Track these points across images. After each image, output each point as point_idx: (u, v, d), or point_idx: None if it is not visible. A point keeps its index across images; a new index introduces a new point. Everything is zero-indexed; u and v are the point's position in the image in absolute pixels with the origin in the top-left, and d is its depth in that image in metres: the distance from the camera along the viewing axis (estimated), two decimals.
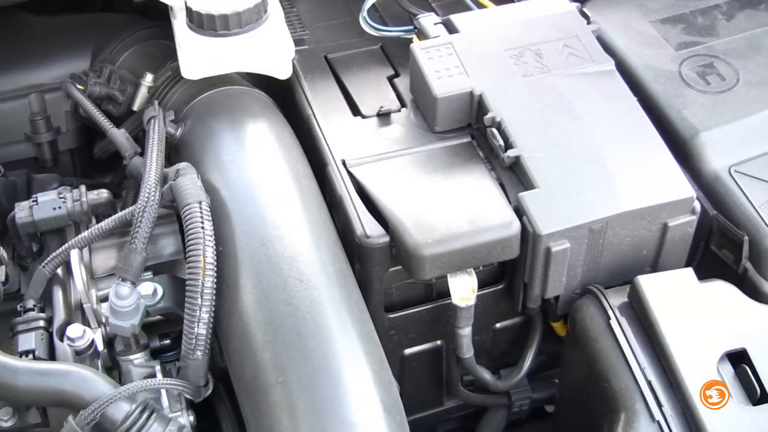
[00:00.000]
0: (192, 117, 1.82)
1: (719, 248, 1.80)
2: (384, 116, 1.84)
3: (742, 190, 1.76)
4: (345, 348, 1.47)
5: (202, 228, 1.55)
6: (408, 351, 1.84)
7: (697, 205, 1.71)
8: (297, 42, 1.98)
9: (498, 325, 1.89)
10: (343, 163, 1.74)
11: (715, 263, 1.81)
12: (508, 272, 1.78)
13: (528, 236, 1.63)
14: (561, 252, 1.63)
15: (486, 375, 1.85)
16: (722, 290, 1.68)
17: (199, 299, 1.51)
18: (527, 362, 1.89)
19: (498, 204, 1.66)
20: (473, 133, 1.81)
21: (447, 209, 1.65)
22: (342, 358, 1.45)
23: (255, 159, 1.72)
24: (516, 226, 1.62)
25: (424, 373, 1.90)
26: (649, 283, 1.65)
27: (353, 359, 1.46)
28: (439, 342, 1.85)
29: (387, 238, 1.63)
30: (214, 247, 1.55)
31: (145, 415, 1.44)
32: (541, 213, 1.63)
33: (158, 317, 1.66)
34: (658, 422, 1.53)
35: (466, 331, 1.71)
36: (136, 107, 2.02)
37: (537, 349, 1.88)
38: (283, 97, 1.93)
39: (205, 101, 1.84)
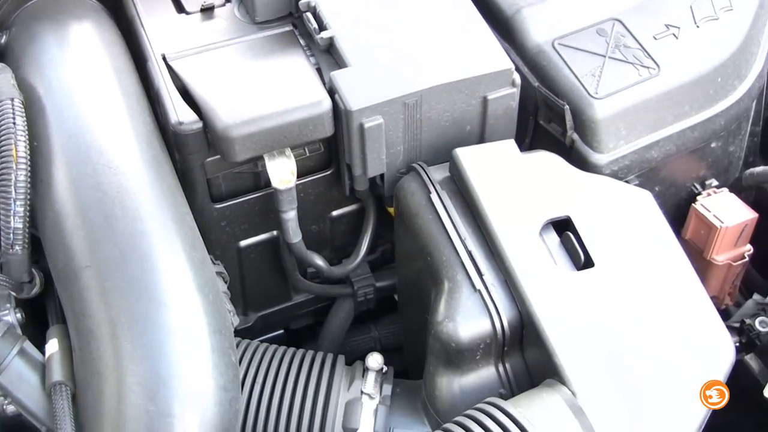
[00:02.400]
0: (17, 24, 1.80)
1: (547, 122, 1.80)
2: (207, 11, 1.82)
3: (565, 62, 1.77)
4: (154, 230, 1.48)
5: (14, 123, 1.54)
6: (243, 243, 1.85)
7: (516, 77, 1.71)
8: None
9: (334, 213, 1.89)
10: (163, 57, 1.73)
11: (547, 138, 1.81)
12: (334, 156, 1.77)
13: (341, 114, 1.63)
14: (375, 128, 1.63)
15: (318, 261, 1.85)
16: (545, 160, 1.69)
17: (13, 192, 1.50)
18: (363, 248, 1.89)
19: (310, 84, 1.65)
20: (295, 21, 1.80)
21: (259, 93, 1.64)
22: (151, 240, 1.46)
23: (73, 57, 1.70)
24: (326, 103, 1.62)
25: (264, 266, 1.90)
26: (467, 155, 1.65)
27: (163, 241, 1.47)
28: (275, 232, 1.85)
29: (200, 124, 1.62)
30: (27, 141, 1.54)
31: None
32: (352, 89, 1.63)
33: None
34: (480, 291, 1.53)
35: (290, 215, 1.72)
36: None
37: (372, 235, 1.88)
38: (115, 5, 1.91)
39: (30, 9, 1.81)
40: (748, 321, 2.01)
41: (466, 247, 1.57)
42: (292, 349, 1.71)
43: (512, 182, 1.63)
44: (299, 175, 1.74)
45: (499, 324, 1.51)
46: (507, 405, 1.40)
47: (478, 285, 1.54)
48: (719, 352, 1.54)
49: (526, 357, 1.56)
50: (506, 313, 1.52)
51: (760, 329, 2.00)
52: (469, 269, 1.55)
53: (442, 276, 1.57)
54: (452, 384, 1.56)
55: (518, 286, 1.52)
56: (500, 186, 1.62)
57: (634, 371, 1.47)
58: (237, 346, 1.68)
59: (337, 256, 1.95)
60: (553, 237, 1.61)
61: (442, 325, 1.52)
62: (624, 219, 1.64)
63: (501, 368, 1.57)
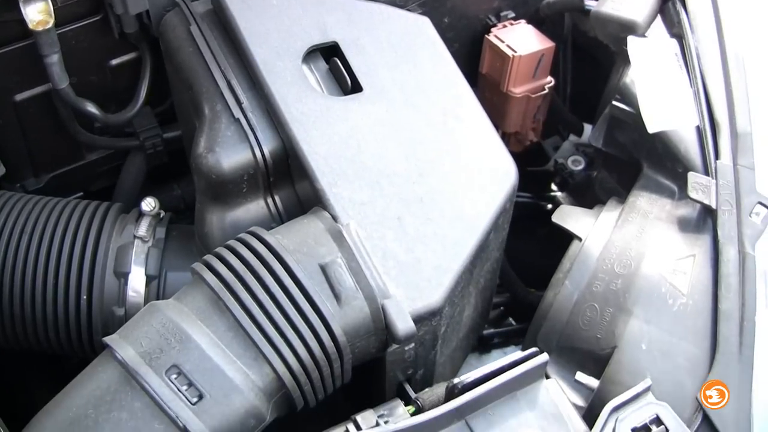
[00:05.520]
0: None
1: None
2: None
3: None
4: None
5: None
6: (19, 97, 1.78)
7: None
8: None
9: (113, 62, 1.83)
10: None
11: None
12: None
13: None
14: None
15: (91, 108, 1.78)
16: None
17: None
18: (141, 95, 1.84)
19: None
20: None
21: None
22: None
23: None
24: None
25: (46, 122, 1.84)
26: None
27: None
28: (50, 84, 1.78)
29: None
30: None
31: None
32: None
33: None
34: (239, 120, 1.49)
35: (53, 59, 1.66)
36: None
37: (151, 81, 1.83)
38: None
39: None
40: (560, 161, 1.99)
41: (225, 77, 1.53)
42: (62, 200, 1.65)
43: (276, 11, 1.58)
44: (68, 22, 1.68)
45: (260, 152, 1.47)
46: (264, 233, 1.35)
47: (237, 114, 1.49)
48: (500, 173, 1.50)
49: (297, 189, 1.52)
50: (268, 142, 1.48)
51: (573, 168, 1.98)
52: (228, 98, 1.51)
53: (203, 108, 1.53)
54: (222, 220, 1.52)
55: (279, 113, 1.48)
56: (262, 14, 1.57)
57: (407, 194, 1.43)
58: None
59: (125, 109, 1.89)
60: (321, 64, 1.57)
61: (202, 158, 1.47)
62: (398, 44, 1.60)
63: (270, 201, 1.53)
